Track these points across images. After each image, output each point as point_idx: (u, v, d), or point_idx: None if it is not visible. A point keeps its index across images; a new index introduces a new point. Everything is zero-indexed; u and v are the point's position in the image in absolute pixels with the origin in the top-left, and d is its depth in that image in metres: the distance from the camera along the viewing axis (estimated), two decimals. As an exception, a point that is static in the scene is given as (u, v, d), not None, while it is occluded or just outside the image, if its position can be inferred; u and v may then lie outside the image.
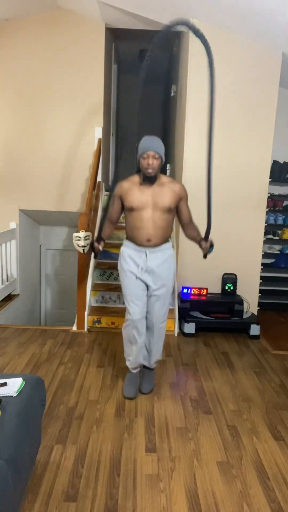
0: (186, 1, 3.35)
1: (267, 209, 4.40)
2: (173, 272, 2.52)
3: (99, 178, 4.38)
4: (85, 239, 3.15)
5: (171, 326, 3.70)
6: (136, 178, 2.38)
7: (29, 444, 1.62)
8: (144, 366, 2.66)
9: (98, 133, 4.37)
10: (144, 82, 2.05)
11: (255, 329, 3.68)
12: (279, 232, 4.85)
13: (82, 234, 3.16)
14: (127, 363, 2.62)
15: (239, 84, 3.69)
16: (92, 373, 2.87)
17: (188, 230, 2.51)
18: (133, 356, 2.53)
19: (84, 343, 3.39)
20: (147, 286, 2.45)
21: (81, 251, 3.21)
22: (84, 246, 3.16)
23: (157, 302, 2.46)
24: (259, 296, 4.09)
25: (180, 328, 3.73)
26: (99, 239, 2.43)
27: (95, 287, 3.97)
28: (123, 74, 6.49)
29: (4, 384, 1.73)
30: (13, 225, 4.51)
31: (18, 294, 4.67)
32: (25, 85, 4.31)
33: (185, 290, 3.82)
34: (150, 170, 2.26)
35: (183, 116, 3.86)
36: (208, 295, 3.86)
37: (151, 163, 2.25)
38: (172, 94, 5.17)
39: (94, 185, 4.06)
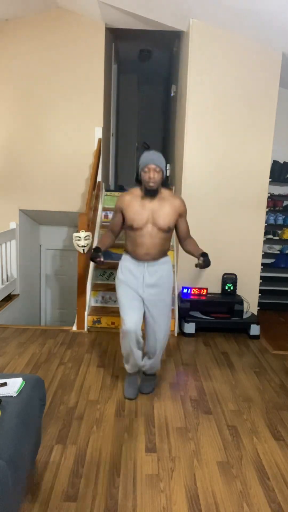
0: (186, 1, 3.35)
1: (267, 209, 4.41)
2: (171, 285, 2.51)
3: (99, 178, 4.38)
4: (85, 239, 3.16)
5: (171, 326, 3.70)
6: (137, 191, 2.39)
7: (29, 444, 1.62)
8: (144, 373, 2.64)
9: (98, 133, 4.37)
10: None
11: (255, 329, 3.68)
12: (279, 232, 4.85)
13: (82, 234, 3.16)
14: (125, 366, 2.60)
15: (239, 84, 3.69)
16: (92, 373, 2.87)
17: (186, 245, 2.52)
18: (131, 364, 2.51)
19: (84, 343, 3.39)
20: (144, 299, 2.43)
21: (81, 251, 3.22)
22: (84, 246, 3.17)
23: (158, 317, 2.44)
24: (259, 296, 4.09)
25: (180, 328, 3.73)
26: (98, 250, 2.38)
27: (95, 287, 3.97)
28: (123, 74, 6.50)
29: (4, 384, 1.73)
30: (13, 225, 4.51)
31: (18, 294, 4.67)
32: (25, 85, 4.32)
33: (185, 290, 3.82)
34: (151, 184, 2.27)
35: (183, 116, 3.86)
36: (208, 295, 3.87)
37: (152, 176, 2.25)
38: (172, 94, 5.17)
39: (94, 185, 4.06)
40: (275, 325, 4.31)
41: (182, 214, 2.42)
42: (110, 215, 4.44)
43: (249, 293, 3.99)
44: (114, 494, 1.76)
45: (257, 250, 3.99)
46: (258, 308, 4.10)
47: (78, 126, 4.38)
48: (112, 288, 3.95)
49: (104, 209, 4.58)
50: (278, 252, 4.88)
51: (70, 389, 2.63)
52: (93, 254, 2.35)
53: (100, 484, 1.82)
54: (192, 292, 3.82)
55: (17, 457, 1.43)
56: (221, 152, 3.80)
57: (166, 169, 2.34)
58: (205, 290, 3.83)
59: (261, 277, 4.08)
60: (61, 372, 2.86)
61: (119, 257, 2.58)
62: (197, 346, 3.46)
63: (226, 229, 3.91)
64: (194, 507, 1.71)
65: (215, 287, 4.00)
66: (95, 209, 4.21)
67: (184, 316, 3.71)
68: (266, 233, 4.55)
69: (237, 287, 3.97)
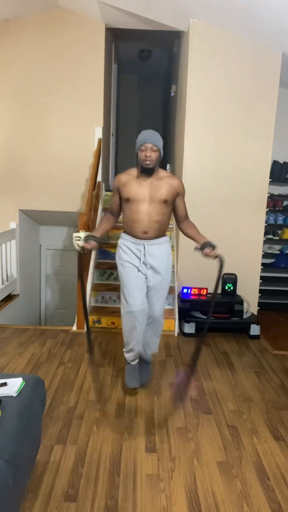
0: (186, 1, 3.35)
1: (267, 209, 4.41)
2: (170, 264, 2.52)
3: (99, 178, 4.38)
4: (85, 239, 3.15)
5: (171, 326, 3.70)
6: (134, 171, 2.39)
7: (29, 444, 1.62)
8: (140, 359, 2.69)
9: (98, 133, 4.37)
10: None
11: (255, 329, 3.68)
12: (279, 232, 4.85)
13: (82, 234, 3.15)
14: (126, 355, 2.60)
15: (239, 84, 3.69)
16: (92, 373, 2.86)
17: (185, 227, 2.50)
18: (133, 343, 2.49)
19: (84, 343, 3.39)
20: (146, 279, 2.47)
21: (81, 252, 3.22)
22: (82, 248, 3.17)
23: (156, 295, 2.49)
24: (259, 296, 4.09)
25: (180, 328, 3.73)
26: (91, 237, 2.41)
27: (95, 287, 3.97)
28: (123, 74, 6.49)
29: (4, 384, 1.73)
30: (13, 225, 4.51)
31: (18, 294, 4.67)
32: (25, 85, 4.31)
33: (185, 290, 3.82)
34: (148, 162, 2.26)
35: (183, 116, 3.86)
36: (208, 295, 3.86)
37: (149, 155, 2.25)
38: (172, 94, 5.17)
39: (94, 185, 4.06)
40: (275, 325, 4.31)
41: (180, 193, 2.41)
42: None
43: (249, 293, 3.99)
44: (114, 494, 1.76)
45: (257, 250, 3.99)
46: (258, 308, 4.10)
47: (78, 126, 4.38)
48: (112, 288, 3.96)
49: (104, 209, 4.58)
50: (278, 252, 4.88)
51: (70, 389, 2.63)
52: (84, 241, 2.35)
53: (100, 484, 1.82)
54: (192, 292, 3.82)
55: (17, 457, 1.43)
56: (221, 152, 3.80)
57: (162, 150, 2.33)
58: (205, 290, 3.83)
59: (261, 277, 4.08)
60: (61, 372, 2.86)
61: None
62: (197, 346, 3.46)
63: (226, 229, 3.91)
64: (194, 507, 1.71)
65: (215, 287, 4.00)
66: (95, 209, 4.21)
67: (184, 316, 3.71)
68: (266, 233, 4.55)
69: (237, 287, 3.96)
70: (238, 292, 3.97)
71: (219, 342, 3.56)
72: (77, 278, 3.70)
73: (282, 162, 4.72)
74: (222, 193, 3.87)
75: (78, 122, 4.37)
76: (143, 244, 2.40)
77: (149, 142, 2.25)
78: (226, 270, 3.99)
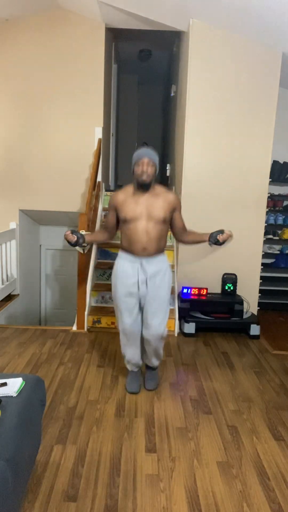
0: (186, 1, 3.35)
1: (267, 209, 4.41)
2: (169, 283, 2.48)
3: (99, 178, 4.38)
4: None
5: (171, 326, 3.70)
6: (130, 189, 2.40)
7: (29, 444, 1.62)
8: (147, 366, 2.71)
9: (98, 133, 4.37)
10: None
11: (255, 329, 3.68)
12: (279, 232, 4.85)
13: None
14: (127, 366, 2.69)
15: (239, 84, 3.70)
16: (92, 373, 2.87)
17: (183, 238, 2.52)
18: (128, 356, 2.60)
19: (84, 343, 3.39)
20: (141, 300, 2.45)
21: (81, 251, 3.22)
22: (84, 246, 3.17)
23: (154, 313, 2.43)
24: (259, 296, 4.09)
25: (180, 328, 3.73)
26: (78, 233, 2.46)
27: (95, 287, 3.97)
28: (123, 74, 6.50)
29: (4, 384, 1.73)
30: (13, 225, 4.51)
31: (18, 294, 4.67)
32: (25, 85, 4.32)
33: (185, 290, 3.82)
34: (144, 177, 2.27)
35: (183, 116, 3.86)
36: (208, 295, 3.87)
37: (145, 169, 2.26)
38: (172, 94, 5.17)
39: (94, 185, 4.06)
40: (275, 325, 4.31)
41: (176, 208, 2.41)
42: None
43: (249, 293, 3.99)
44: (114, 494, 1.76)
45: (257, 250, 3.99)
46: (258, 308, 4.10)
47: (78, 126, 4.38)
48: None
49: (104, 209, 4.58)
50: (278, 252, 4.88)
51: (70, 389, 2.63)
52: (72, 235, 2.39)
53: (100, 484, 1.82)
54: (192, 292, 3.82)
55: (17, 457, 1.43)
56: (221, 152, 3.80)
57: (158, 166, 2.35)
58: (205, 290, 3.83)
59: (261, 277, 4.08)
60: (61, 372, 2.86)
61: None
62: (197, 346, 3.46)
63: (226, 229, 3.91)
64: (194, 507, 1.71)
65: (215, 287, 4.00)
66: (95, 209, 4.21)
67: (184, 316, 3.71)
68: (266, 233, 4.55)
69: (237, 287, 3.97)
70: (238, 292, 3.97)
71: (219, 342, 3.56)
72: (77, 278, 3.70)
73: (282, 162, 4.72)
74: (222, 193, 3.87)
75: (78, 122, 4.37)
76: (141, 261, 2.39)
77: (146, 157, 2.26)
78: (226, 270, 3.99)
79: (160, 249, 2.43)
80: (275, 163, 4.61)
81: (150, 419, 2.34)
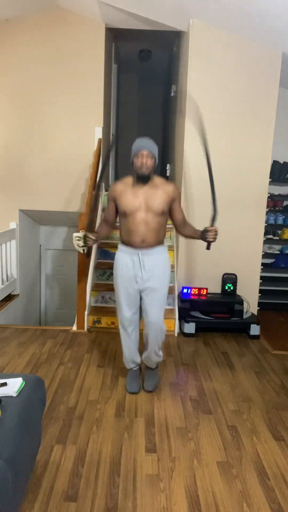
0: (186, 1, 3.35)
1: (267, 209, 4.41)
2: (168, 276, 2.49)
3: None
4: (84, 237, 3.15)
5: (171, 326, 3.70)
6: (129, 180, 2.39)
7: (29, 444, 1.62)
8: (146, 367, 2.70)
9: (98, 133, 4.37)
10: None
11: (255, 329, 3.68)
12: (279, 232, 4.85)
13: (82, 234, 3.16)
14: (125, 364, 2.69)
15: (239, 84, 3.69)
16: (92, 373, 2.87)
17: (182, 230, 2.51)
18: (125, 350, 2.61)
19: (84, 343, 3.39)
20: (140, 292, 2.46)
21: (81, 251, 3.22)
22: (84, 246, 3.17)
23: (152, 304, 2.44)
24: (259, 296, 4.09)
25: (180, 328, 3.73)
26: (90, 228, 2.43)
27: (95, 287, 3.97)
28: (123, 74, 6.49)
29: (4, 384, 1.73)
30: (13, 225, 4.51)
31: (18, 294, 4.67)
32: (25, 85, 4.31)
33: (185, 290, 3.82)
34: (144, 169, 2.27)
35: (183, 116, 3.86)
36: (208, 295, 3.87)
37: (145, 162, 2.26)
38: (172, 94, 5.17)
39: (94, 185, 4.06)
40: (275, 325, 4.31)
41: (175, 199, 2.41)
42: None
43: (249, 293, 3.99)
44: (114, 494, 1.76)
45: (257, 250, 3.99)
46: (258, 308, 4.10)
47: (78, 126, 4.38)
48: (112, 288, 3.93)
49: (104, 209, 4.58)
50: (278, 252, 4.88)
51: (70, 389, 2.63)
52: (85, 237, 2.37)
53: (100, 484, 1.82)
54: (192, 292, 3.82)
55: (17, 457, 1.43)
56: (221, 152, 3.80)
57: (157, 157, 2.35)
58: (205, 290, 3.83)
59: (261, 277, 4.08)
60: (61, 372, 2.86)
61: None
62: (197, 346, 3.46)
63: (226, 229, 3.90)
64: (194, 507, 1.71)
65: (215, 287, 4.00)
66: (95, 209, 4.21)
67: (184, 316, 3.71)
68: (266, 233, 4.55)
69: (237, 287, 3.96)
70: (238, 292, 3.97)
71: (219, 342, 3.56)
72: (77, 278, 3.70)
73: (282, 162, 4.72)
74: (222, 193, 3.84)
75: (78, 122, 4.37)
76: (138, 254, 2.39)
77: (145, 149, 2.25)
78: (226, 270, 3.99)
79: (159, 241, 2.43)
80: (275, 163, 4.61)
81: (150, 419, 2.34)
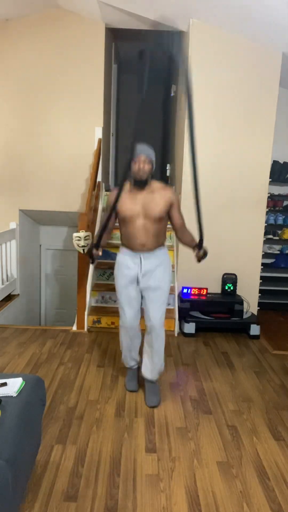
0: (186, 1, 3.35)
1: (267, 209, 4.41)
2: (169, 276, 2.49)
3: (99, 178, 4.38)
4: (85, 239, 3.16)
5: (171, 326, 3.70)
6: (127, 186, 2.39)
7: (29, 444, 1.62)
8: (146, 381, 2.59)
9: (98, 133, 4.37)
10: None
11: (255, 329, 3.68)
12: (279, 232, 4.85)
13: (82, 234, 3.16)
14: (124, 363, 2.69)
15: (239, 84, 3.70)
16: (92, 373, 2.87)
17: (181, 235, 2.51)
18: (127, 350, 2.61)
19: (84, 343, 3.39)
20: (142, 292, 2.46)
21: (81, 251, 3.22)
22: (84, 246, 3.17)
23: (153, 305, 2.44)
24: (259, 296, 4.09)
25: (180, 328, 3.73)
26: (98, 246, 2.43)
27: (95, 287, 3.97)
28: (123, 74, 6.49)
29: (4, 384, 1.73)
30: (13, 225, 4.51)
31: (18, 294, 4.67)
32: (25, 85, 4.31)
33: (185, 290, 3.82)
34: (141, 174, 2.28)
35: (183, 116, 3.86)
36: (208, 295, 3.87)
37: (142, 167, 2.27)
38: (172, 94, 5.17)
39: (94, 185, 4.06)
40: (275, 325, 4.31)
41: (173, 204, 2.41)
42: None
43: (249, 293, 3.99)
44: (114, 494, 1.76)
45: (257, 250, 3.99)
46: (258, 308, 4.10)
47: (78, 126, 4.38)
48: (112, 288, 3.94)
49: (104, 210, 4.58)
50: (278, 252, 4.88)
51: (70, 389, 2.63)
52: (88, 251, 2.36)
53: (100, 484, 1.82)
54: (192, 292, 3.82)
55: (17, 457, 1.43)
56: (221, 152, 3.80)
57: (155, 162, 2.36)
58: (205, 290, 3.83)
59: (261, 277, 4.08)
60: (61, 372, 2.86)
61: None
62: (197, 346, 3.46)
63: (226, 229, 3.91)
64: (194, 507, 1.71)
65: (215, 287, 4.00)
66: (95, 209, 4.21)
67: (184, 316, 3.71)
68: (266, 233, 4.55)
69: (237, 287, 3.96)
70: (238, 292, 3.97)
71: (219, 342, 3.56)
72: (77, 278, 3.70)
73: (282, 162, 4.72)
74: (222, 193, 3.87)
75: (78, 122, 4.37)
76: (140, 256, 2.40)
77: (143, 155, 2.26)
78: (226, 270, 3.99)
79: (159, 244, 2.44)
80: (275, 163, 4.61)
81: (150, 419, 2.34)
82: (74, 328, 3.69)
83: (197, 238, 2.39)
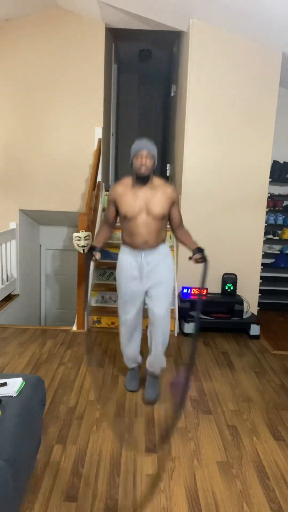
0: (186, 1, 3.35)
1: (267, 209, 4.41)
2: (172, 271, 2.50)
3: (99, 178, 4.38)
4: (85, 239, 3.16)
5: (171, 326, 3.70)
6: (128, 181, 2.39)
7: (29, 444, 1.62)
8: (148, 375, 2.62)
9: (98, 133, 4.37)
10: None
11: (255, 329, 3.68)
12: (279, 232, 4.85)
13: (82, 234, 3.16)
14: (125, 363, 2.69)
15: (239, 84, 3.69)
16: (92, 373, 2.86)
17: (179, 234, 2.50)
18: (129, 351, 2.60)
19: (84, 343, 3.39)
20: (146, 289, 2.45)
21: (81, 251, 3.22)
22: (84, 246, 3.17)
23: (157, 300, 2.42)
24: (259, 296, 4.09)
25: (180, 328, 3.73)
26: (95, 248, 2.44)
27: (95, 287, 3.97)
28: (123, 74, 6.49)
29: (4, 384, 1.73)
30: (13, 225, 4.51)
31: (18, 294, 4.67)
32: (25, 85, 4.31)
33: (185, 290, 3.82)
34: (143, 169, 2.26)
35: (183, 116, 3.86)
36: (208, 295, 3.86)
37: (144, 162, 2.25)
38: (172, 94, 5.17)
39: (94, 185, 4.06)
40: (275, 325, 4.31)
41: (174, 202, 2.41)
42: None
43: (249, 293, 3.99)
44: (114, 494, 1.76)
45: (257, 250, 3.99)
46: (258, 308, 4.10)
47: (78, 126, 4.38)
48: (112, 288, 3.96)
49: (104, 209, 4.58)
50: (278, 252, 4.88)
51: (70, 389, 2.63)
52: (87, 255, 2.36)
53: (100, 484, 1.82)
54: (192, 292, 3.82)
55: (17, 457, 1.43)
56: (221, 152, 3.80)
57: (156, 158, 2.35)
58: (205, 290, 3.83)
59: (261, 277, 4.08)
60: (61, 372, 2.86)
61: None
62: (197, 346, 3.45)
63: (226, 229, 3.91)
64: (194, 507, 1.71)
65: (215, 287, 4.00)
66: (95, 209, 4.21)
67: (184, 316, 3.71)
68: (266, 233, 4.55)
69: (237, 287, 3.96)
70: (238, 292, 3.97)
71: (219, 342, 3.56)
72: (77, 278, 3.70)
73: (282, 162, 4.72)
74: (222, 193, 3.87)
75: (78, 122, 4.37)
76: (142, 254, 2.39)
77: (144, 149, 2.25)
78: (226, 270, 3.99)
79: (161, 240, 2.44)
80: (275, 163, 4.61)
81: (150, 419, 2.34)
82: (74, 328, 3.69)
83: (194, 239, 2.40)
